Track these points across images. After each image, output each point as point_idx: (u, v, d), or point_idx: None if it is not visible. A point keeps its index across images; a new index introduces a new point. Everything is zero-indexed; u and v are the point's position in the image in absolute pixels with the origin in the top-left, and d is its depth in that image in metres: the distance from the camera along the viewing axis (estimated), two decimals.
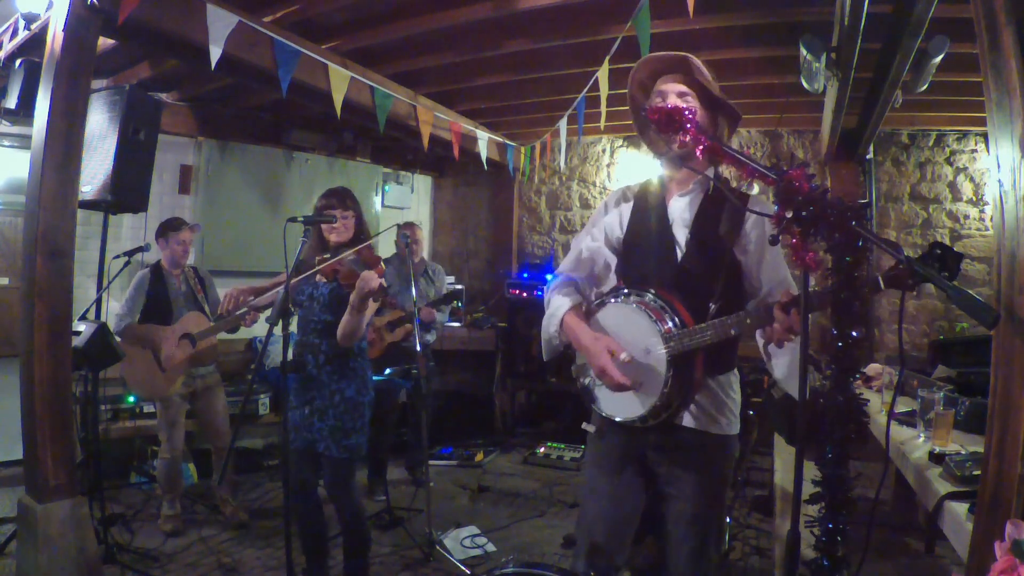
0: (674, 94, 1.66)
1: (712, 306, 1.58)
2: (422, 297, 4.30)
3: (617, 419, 1.71)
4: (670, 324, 1.58)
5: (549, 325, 1.80)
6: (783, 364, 1.56)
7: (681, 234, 1.70)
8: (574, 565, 1.81)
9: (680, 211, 1.73)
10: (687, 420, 1.69)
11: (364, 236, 2.64)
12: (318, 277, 2.52)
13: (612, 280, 1.86)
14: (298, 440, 2.51)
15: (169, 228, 3.59)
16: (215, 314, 3.61)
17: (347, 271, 2.39)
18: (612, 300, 1.73)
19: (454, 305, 4.55)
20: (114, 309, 3.51)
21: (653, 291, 1.65)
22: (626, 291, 1.70)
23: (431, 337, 4.51)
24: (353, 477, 2.57)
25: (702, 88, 1.68)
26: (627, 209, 1.82)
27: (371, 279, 2.25)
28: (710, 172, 1.71)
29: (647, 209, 1.78)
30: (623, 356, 1.61)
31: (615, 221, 1.83)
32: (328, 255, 2.51)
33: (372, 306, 2.38)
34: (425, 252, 4.77)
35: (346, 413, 2.49)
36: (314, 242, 2.57)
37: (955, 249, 1.12)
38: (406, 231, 4.21)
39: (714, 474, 1.71)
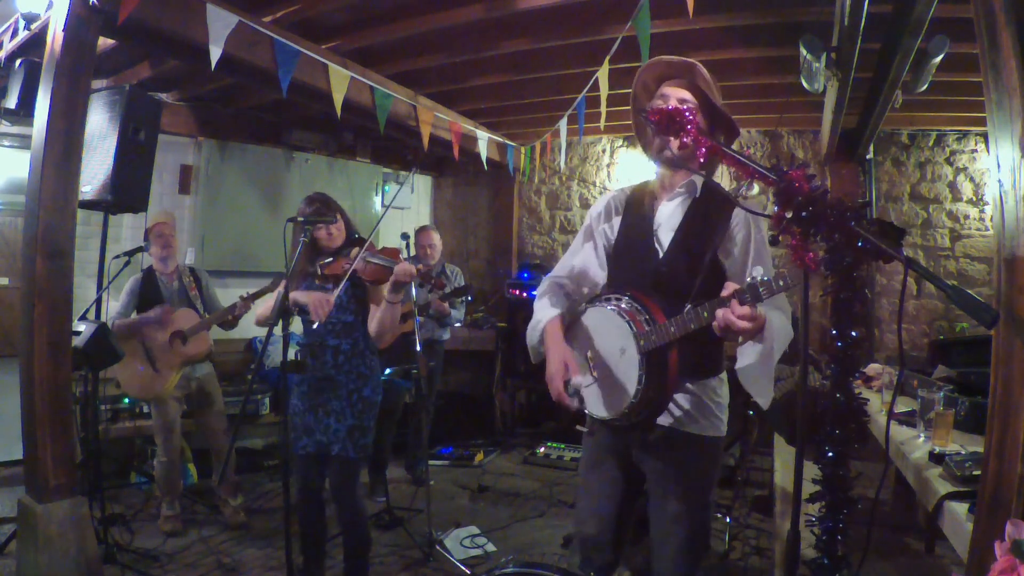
0: (675, 99, 1.67)
1: (688, 307, 1.58)
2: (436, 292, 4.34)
3: (600, 417, 1.74)
4: (644, 325, 1.60)
5: (533, 334, 1.83)
6: (741, 363, 1.53)
7: (666, 237, 1.72)
8: (571, 561, 1.85)
9: (667, 215, 1.75)
10: (670, 421, 1.71)
11: (356, 236, 2.64)
12: (317, 281, 2.51)
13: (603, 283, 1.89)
14: (309, 444, 2.49)
15: (148, 230, 3.62)
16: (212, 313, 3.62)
17: (370, 268, 2.40)
18: (592, 305, 1.76)
19: (468, 300, 4.58)
20: (115, 310, 3.52)
21: (631, 294, 1.67)
22: (606, 296, 1.73)
23: (446, 335, 4.55)
24: (359, 477, 2.57)
25: (704, 98, 1.69)
26: (618, 219, 1.85)
27: (409, 268, 2.29)
28: (703, 173, 1.72)
29: (636, 216, 1.80)
30: (575, 380, 1.67)
31: (608, 229, 1.87)
32: (330, 260, 2.51)
33: (402, 295, 2.40)
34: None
35: (364, 413, 2.50)
36: (305, 249, 2.55)
37: (897, 226, 1.11)
38: (406, 232, 4.22)
39: (697, 473, 1.72)
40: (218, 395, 3.70)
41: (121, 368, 3.39)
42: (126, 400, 4.20)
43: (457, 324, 4.73)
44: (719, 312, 1.39)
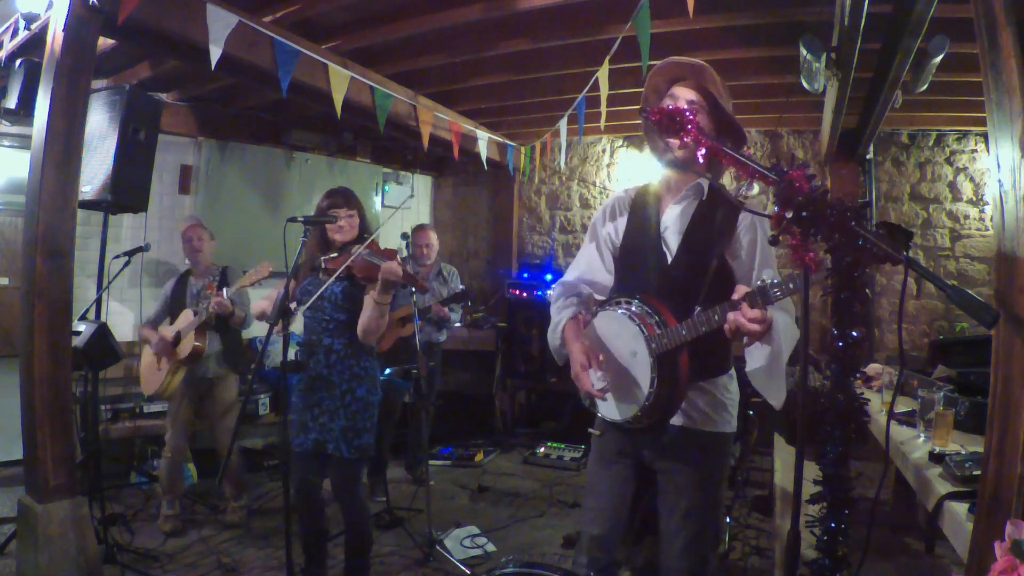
0: (683, 100, 1.67)
1: (697, 309, 1.58)
2: (435, 296, 4.36)
3: (613, 420, 1.74)
4: (655, 328, 1.60)
5: (554, 337, 1.87)
6: (752, 366, 1.54)
7: (673, 240, 1.73)
8: (576, 559, 1.85)
9: (674, 218, 1.75)
10: (683, 420, 1.71)
11: (368, 234, 2.64)
12: (321, 276, 2.51)
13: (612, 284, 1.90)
14: (305, 441, 2.49)
15: (181, 234, 3.70)
16: None
17: (362, 265, 2.39)
18: (604, 309, 1.77)
19: (467, 304, 4.60)
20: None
21: (640, 298, 1.68)
22: (616, 300, 1.74)
23: (442, 336, 4.57)
24: (361, 477, 2.57)
25: (714, 102, 1.69)
26: (623, 222, 1.87)
27: (394, 267, 2.28)
28: (709, 176, 1.72)
29: (642, 218, 1.81)
30: (597, 367, 1.70)
31: (612, 232, 1.88)
32: (335, 255, 2.51)
33: (389, 296, 2.39)
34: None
35: (358, 413, 2.49)
36: (316, 242, 2.56)
37: (905, 229, 1.11)
38: (406, 232, 4.24)
39: (709, 470, 1.73)
40: (226, 395, 3.69)
41: (140, 363, 3.58)
42: (142, 397, 4.23)
43: (457, 325, 4.74)
44: (730, 315, 1.41)
